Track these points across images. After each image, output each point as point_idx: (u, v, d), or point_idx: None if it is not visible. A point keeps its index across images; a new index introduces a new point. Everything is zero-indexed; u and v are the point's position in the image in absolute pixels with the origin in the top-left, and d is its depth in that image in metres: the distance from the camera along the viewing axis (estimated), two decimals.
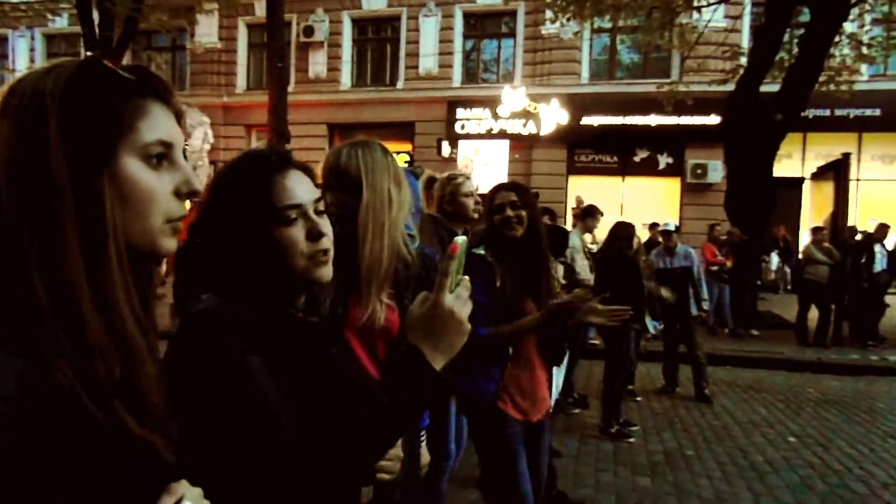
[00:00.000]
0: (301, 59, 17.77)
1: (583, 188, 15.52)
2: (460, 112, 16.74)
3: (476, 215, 3.42)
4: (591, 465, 4.79)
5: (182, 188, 0.84)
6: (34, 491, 0.65)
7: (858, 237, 10.30)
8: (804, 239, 13.61)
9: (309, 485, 1.01)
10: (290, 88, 14.02)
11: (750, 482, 4.52)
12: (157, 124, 0.81)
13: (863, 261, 9.53)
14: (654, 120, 15.30)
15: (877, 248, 9.82)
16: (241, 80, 18.54)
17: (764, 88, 10.36)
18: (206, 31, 17.98)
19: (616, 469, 4.74)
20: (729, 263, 10.04)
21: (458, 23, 17.21)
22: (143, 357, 0.77)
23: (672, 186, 16.27)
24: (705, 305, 7.22)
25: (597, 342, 7.26)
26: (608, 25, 13.80)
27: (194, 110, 15.95)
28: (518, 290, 2.53)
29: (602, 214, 6.86)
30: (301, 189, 1.15)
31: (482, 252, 2.52)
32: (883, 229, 10.12)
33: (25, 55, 19.26)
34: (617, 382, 5.52)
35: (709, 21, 11.99)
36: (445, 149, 16.68)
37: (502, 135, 16.52)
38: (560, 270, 4.62)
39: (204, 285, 1.11)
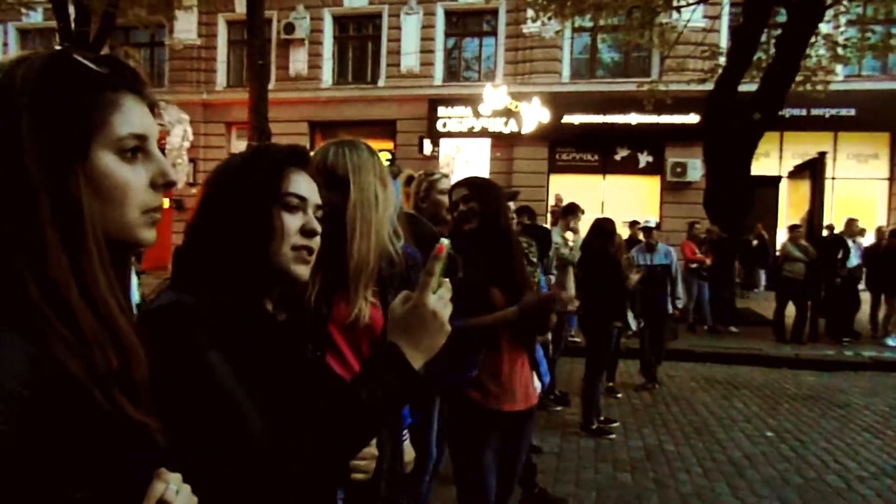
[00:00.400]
0: (282, 57, 17.64)
1: (564, 186, 15.59)
2: (442, 110, 16.73)
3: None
4: (572, 462, 4.83)
5: (158, 179, 0.85)
6: (41, 468, 0.68)
7: (825, 233, 10.48)
8: (781, 237, 13.81)
9: (281, 482, 0.99)
10: (271, 86, 13.93)
11: (729, 477, 4.58)
12: (130, 117, 0.81)
13: (839, 256, 9.67)
14: (634, 119, 15.40)
15: (849, 242, 9.99)
16: (220, 78, 18.37)
17: (742, 88, 10.50)
18: (185, 27, 17.78)
19: (597, 465, 4.78)
20: (708, 261, 10.15)
21: (440, 21, 17.19)
22: (135, 346, 0.79)
23: (652, 185, 16.40)
24: (679, 304, 7.41)
25: (577, 339, 7.31)
26: (589, 24, 13.89)
27: (173, 108, 15.81)
28: (482, 282, 2.51)
29: (583, 212, 6.90)
30: (309, 188, 1.16)
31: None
32: (852, 224, 10.29)
33: None
34: (598, 379, 5.56)
35: (688, 21, 12.10)
36: (427, 147, 16.66)
37: (484, 133, 16.54)
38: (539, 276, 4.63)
39: (179, 277, 1.09)
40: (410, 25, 17.10)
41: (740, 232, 10.83)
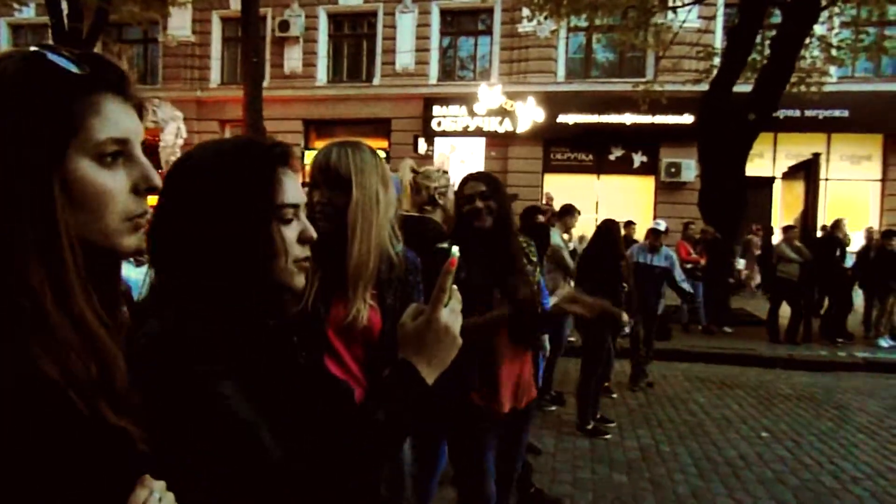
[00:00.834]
0: (276, 55, 17.59)
1: (558, 186, 15.60)
2: (437, 109, 16.72)
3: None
4: (568, 462, 4.81)
5: (140, 184, 0.82)
6: (21, 476, 0.67)
7: (819, 234, 10.51)
8: (775, 238, 13.86)
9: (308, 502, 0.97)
10: (266, 84, 13.87)
11: (724, 478, 4.58)
12: (109, 121, 0.79)
13: (837, 254, 9.70)
14: (628, 119, 15.43)
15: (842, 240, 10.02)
16: (214, 75, 18.30)
17: (737, 89, 10.51)
18: (179, 23, 17.69)
19: (593, 466, 4.77)
20: (703, 261, 10.16)
21: (435, 19, 17.17)
22: (111, 352, 0.77)
23: (646, 185, 16.43)
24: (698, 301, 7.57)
25: (573, 339, 7.31)
26: (584, 24, 13.87)
27: (167, 105, 15.69)
28: (485, 282, 2.46)
29: (579, 213, 6.89)
30: (297, 189, 1.08)
31: (444, 246, 2.45)
32: (840, 223, 10.30)
33: None
34: (594, 379, 5.56)
35: (684, 21, 12.11)
36: (422, 146, 16.65)
37: (478, 132, 16.53)
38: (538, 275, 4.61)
39: (168, 290, 1.00)
40: (405, 24, 17.07)
41: (735, 232, 10.84)
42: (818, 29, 11.38)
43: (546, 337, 4.62)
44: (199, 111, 17.85)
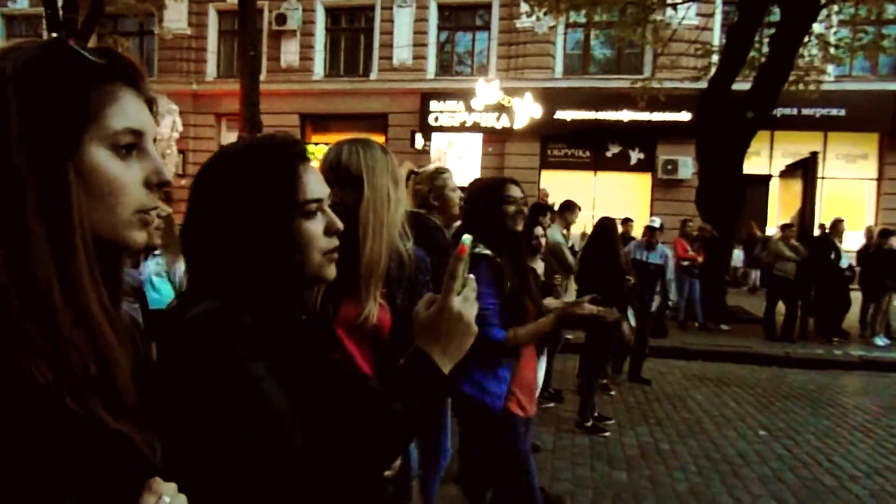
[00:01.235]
0: (273, 48, 17.52)
1: (555, 182, 15.58)
2: (434, 104, 16.69)
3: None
4: (567, 460, 4.81)
5: (152, 179, 0.81)
6: (11, 486, 0.64)
7: (817, 232, 10.52)
8: (770, 235, 13.90)
9: (321, 495, 0.97)
10: (262, 77, 13.78)
11: (724, 475, 4.58)
12: (125, 111, 0.77)
13: (832, 256, 9.72)
14: (626, 115, 15.44)
15: (838, 242, 10.03)
16: (210, 68, 18.21)
17: (735, 87, 10.51)
18: (175, 16, 17.60)
19: (592, 463, 4.77)
20: (700, 259, 10.17)
21: (433, 14, 17.12)
22: (116, 352, 0.75)
23: (643, 182, 16.45)
24: (669, 302, 7.59)
25: (570, 336, 7.31)
26: (583, 20, 13.85)
27: (163, 98, 15.60)
28: (521, 289, 2.50)
29: (580, 209, 6.88)
30: (319, 183, 1.11)
31: (487, 252, 2.44)
32: (838, 224, 10.32)
33: None
34: (596, 377, 5.57)
35: (683, 18, 12.10)
36: (419, 141, 16.61)
37: (476, 128, 16.51)
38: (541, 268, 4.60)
39: (207, 283, 1.03)
40: (403, 18, 17.02)
41: (732, 230, 10.86)
42: (817, 27, 11.39)
43: None
44: (195, 105, 17.76)
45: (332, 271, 1.10)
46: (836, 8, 11.92)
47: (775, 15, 11.20)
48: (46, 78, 0.72)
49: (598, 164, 16.64)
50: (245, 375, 0.93)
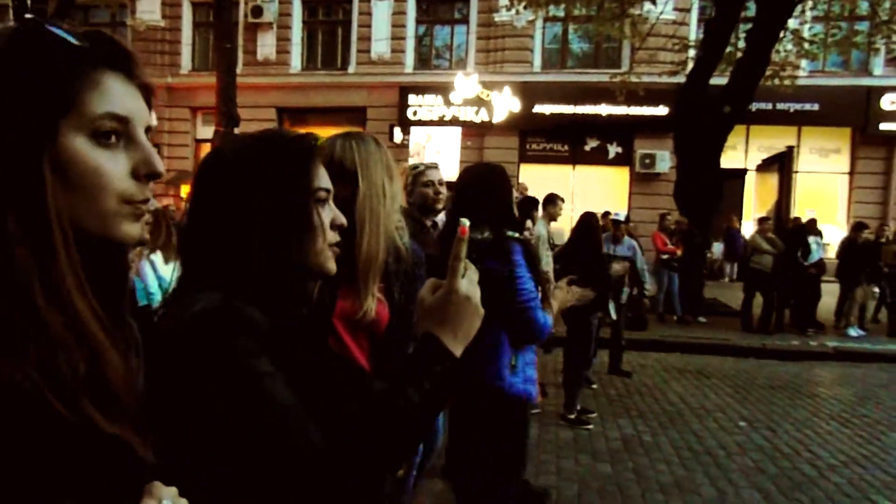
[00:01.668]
0: (249, 41, 17.27)
1: (534, 176, 15.63)
2: (412, 98, 16.61)
3: (439, 205, 3.35)
4: (552, 453, 4.82)
5: (140, 168, 0.76)
6: (4, 491, 0.62)
7: (790, 225, 10.69)
8: (746, 228, 14.09)
9: (336, 490, 0.93)
10: (238, 70, 13.61)
11: (706, 466, 4.63)
12: (108, 97, 0.72)
13: (798, 254, 9.86)
14: (604, 109, 15.51)
15: (811, 239, 10.17)
16: (185, 61, 17.92)
17: (712, 81, 10.60)
18: (149, 7, 17.30)
19: (577, 456, 4.78)
20: (679, 252, 10.26)
21: (411, 7, 17.02)
22: (106, 350, 0.71)
23: (621, 175, 16.54)
24: (646, 292, 7.67)
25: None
26: (561, 14, 13.88)
27: None
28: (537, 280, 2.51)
29: (563, 201, 6.87)
30: (326, 176, 1.09)
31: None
32: (813, 223, 10.51)
33: None
34: (581, 369, 5.58)
35: (661, 13, 12.17)
36: (397, 135, 16.54)
37: (454, 122, 16.46)
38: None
39: (207, 278, 0.99)
40: (381, 11, 16.89)
41: (710, 223, 10.97)
42: (791, 23, 11.51)
43: None
44: (170, 98, 17.47)
45: (333, 266, 1.08)
46: (810, 3, 12.08)
47: (751, 10, 11.32)
48: (19, 63, 0.67)
49: (576, 157, 16.70)
50: (250, 371, 0.89)
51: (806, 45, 12.27)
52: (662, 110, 14.90)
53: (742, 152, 15.96)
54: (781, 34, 10.84)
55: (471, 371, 2.45)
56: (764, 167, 12.78)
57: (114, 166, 0.73)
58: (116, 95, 0.74)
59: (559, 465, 4.60)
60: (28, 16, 0.72)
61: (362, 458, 0.93)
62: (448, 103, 15.90)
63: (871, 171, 15.58)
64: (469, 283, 1.03)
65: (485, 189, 2.56)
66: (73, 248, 0.69)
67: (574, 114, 15.94)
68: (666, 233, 10.45)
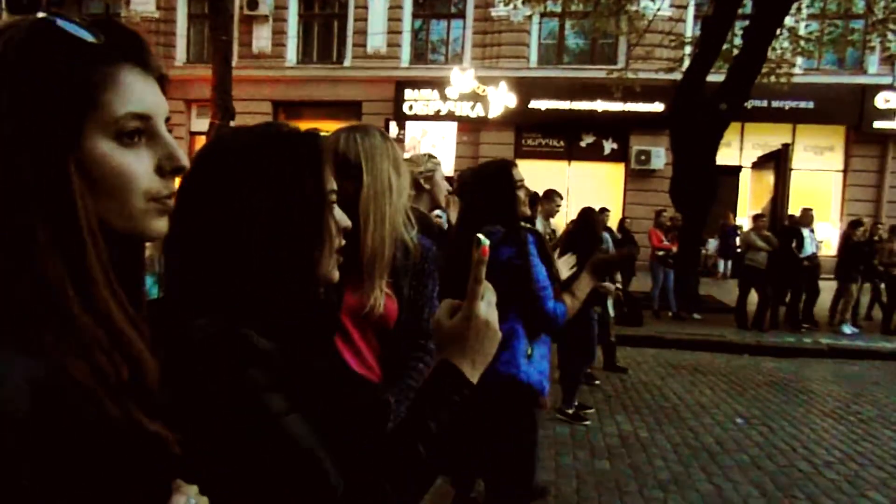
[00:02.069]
0: (245, 33, 17.19)
1: (530, 172, 15.44)
2: (408, 93, 16.57)
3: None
4: (550, 449, 4.82)
5: (165, 164, 0.75)
6: (53, 492, 0.62)
7: (786, 222, 10.73)
8: (742, 225, 14.14)
9: None
10: (233, 63, 13.54)
11: (703, 463, 4.65)
12: (129, 95, 0.71)
13: (793, 245, 9.89)
14: (600, 106, 15.52)
15: (805, 232, 10.21)
16: (180, 53, 17.81)
17: (708, 78, 10.61)
18: None
19: (575, 452, 4.80)
20: (674, 249, 10.28)
21: (407, 1, 16.98)
22: (140, 350, 0.71)
23: (616, 172, 16.57)
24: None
25: None
26: (558, 10, 13.86)
27: None
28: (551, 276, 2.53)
29: (561, 198, 6.86)
30: (331, 177, 1.01)
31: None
32: (807, 214, 10.50)
33: None
34: (582, 366, 5.59)
35: (658, 9, 12.17)
36: (393, 129, 16.43)
37: (450, 116, 16.45)
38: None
39: (204, 290, 0.91)
40: (377, 5, 16.83)
41: (705, 220, 11.00)
42: (788, 20, 11.54)
43: None
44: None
45: (337, 274, 1.02)
46: (806, 1, 12.11)
47: (748, 7, 11.33)
48: (37, 65, 0.66)
49: (572, 153, 16.71)
50: (265, 410, 0.84)
51: (802, 43, 12.31)
52: (658, 107, 14.91)
53: (737, 149, 16.01)
54: (778, 32, 10.86)
55: None
56: (760, 164, 12.80)
57: (139, 166, 0.72)
58: (136, 92, 0.72)
59: (557, 462, 4.61)
60: (40, 14, 0.70)
61: (382, 498, 0.90)
62: (444, 98, 15.88)
63: (865, 169, 15.66)
64: (488, 306, 1.00)
65: (482, 189, 2.59)
66: (102, 250, 0.69)
67: (570, 110, 15.95)
68: (661, 229, 10.47)
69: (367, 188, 1.71)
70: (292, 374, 0.88)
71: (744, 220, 14.73)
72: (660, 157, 15.39)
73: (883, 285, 10.05)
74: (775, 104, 14.85)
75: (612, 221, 9.94)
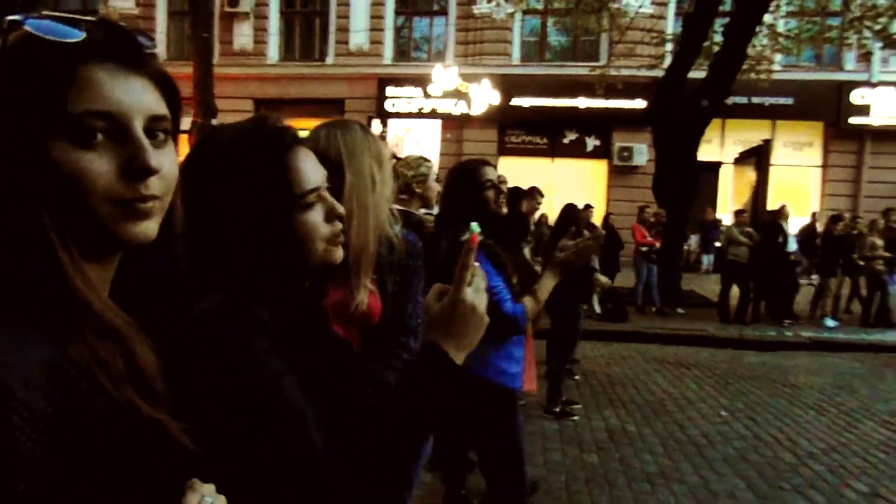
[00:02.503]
0: (225, 31, 17.04)
1: (513, 169, 15.62)
2: (391, 90, 16.53)
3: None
4: (538, 445, 4.85)
5: (130, 166, 0.71)
6: (68, 483, 0.63)
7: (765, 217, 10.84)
8: (723, 220, 14.27)
9: (335, 498, 0.93)
10: (214, 61, 13.41)
11: (690, 456, 4.70)
12: (92, 93, 0.68)
13: (780, 240, 10.00)
14: (582, 102, 15.59)
15: (785, 226, 10.32)
16: (160, 50, 17.57)
17: (689, 75, 10.69)
18: None
19: (563, 447, 4.82)
20: (657, 244, 10.36)
21: None
22: (136, 342, 0.72)
23: (599, 168, 16.66)
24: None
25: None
26: (540, 7, 13.89)
27: None
28: (513, 267, 2.54)
29: (543, 195, 6.89)
30: (315, 169, 1.03)
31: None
32: (783, 210, 10.60)
33: None
34: (566, 362, 5.62)
35: (639, 6, 12.24)
36: (376, 127, 16.41)
37: (433, 114, 16.43)
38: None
39: (205, 276, 0.94)
40: (360, 2, 16.77)
41: (687, 216, 11.09)
42: (766, 17, 11.65)
43: None
44: None
45: (339, 254, 1.05)
46: None
47: (728, 4, 11.43)
48: (1, 72, 0.66)
49: (555, 150, 16.77)
50: (264, 372, 0.87)
51: (781, 40, 12.44)
52: (640, 103, 14.99)
53: (718, 146, 16.16)
54: (757, 29, 10.96)
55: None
56: (741, 160, 12.94)
57: (99, 167, 0.69)
58: (103, 90, 0.69)
59: (546, 457, 4.63)
60: (9, 17, 0.68)
61: (363, 466, 0.93)
62: (427, 95, 15.84)
63: (843, 165, 15.88)
64: (475, 291, 1.03)
65: (450, 192, 2.61)
66: (76, 253, 0.69)
67: (552, 107, 16.00)
68: (645, 225, 10.54)
69: (349, 184, 1.70)
70: (287, 341, 0.93)
71: (724, 215, 14.89)
72: (642, 154, 15.49)
73: (862, 278, 10.18)
74: (755, 100, 15.00)
75: (596, 218, 9.98)
